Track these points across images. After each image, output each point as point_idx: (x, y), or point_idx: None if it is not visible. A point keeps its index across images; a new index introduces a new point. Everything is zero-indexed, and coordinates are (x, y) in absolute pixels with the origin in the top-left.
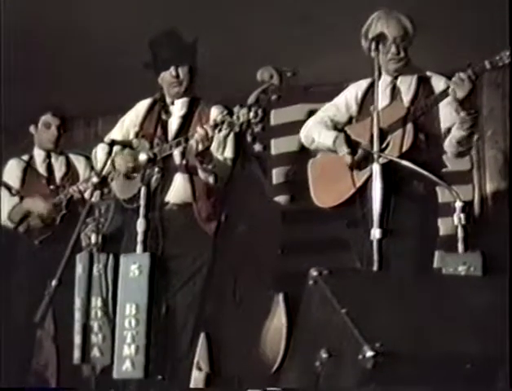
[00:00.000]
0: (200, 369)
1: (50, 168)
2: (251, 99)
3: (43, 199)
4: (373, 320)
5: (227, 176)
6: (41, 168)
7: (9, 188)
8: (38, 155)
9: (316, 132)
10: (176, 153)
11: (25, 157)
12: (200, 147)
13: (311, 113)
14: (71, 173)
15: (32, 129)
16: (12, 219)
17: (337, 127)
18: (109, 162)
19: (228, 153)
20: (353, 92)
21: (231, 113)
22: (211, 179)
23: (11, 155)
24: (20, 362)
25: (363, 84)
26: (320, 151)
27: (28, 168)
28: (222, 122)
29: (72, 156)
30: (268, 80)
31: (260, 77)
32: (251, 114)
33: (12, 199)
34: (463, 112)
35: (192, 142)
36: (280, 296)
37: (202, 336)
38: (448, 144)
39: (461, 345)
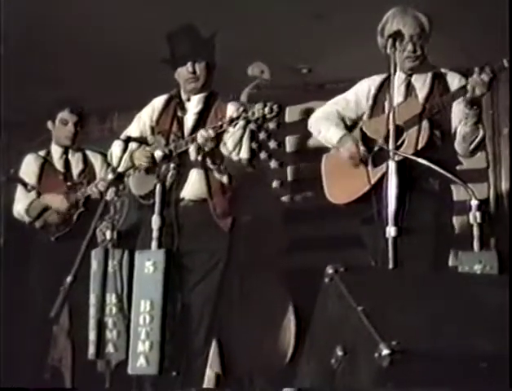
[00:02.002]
0: (213, 369)
1: (67, 164)
2: (243, 96)
3: (62, 195)
4: (389, 318)
5: (241, 176)
6: (58, 164)
7: (25, 184)
8: (55, 151)
9: (325, 126)
10: (192, 149)
11: (42, 153)
12: (206, 148)
13: None
14: (88, 170)
15: (49, 124)
16: (30, 214)
17: (344, 121)
18: (127, 158)
19: (244, 154)
20: (365, 87)
21: (246, 109)
22: (225, 179)
23: (28, 150)
24: (36, 357)
25: (376, 79)
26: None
27: (46, 163)
28: (238, 118)
29: (89, 153)
30: (259, 75)
31: (251, 73)
32: (266, 109)
33: (28, 195)
34: (466, 107)
35: (197, 143)
36: (288, 292)
37: (214, 342)
38: (457, 142)
39: (477, 344)
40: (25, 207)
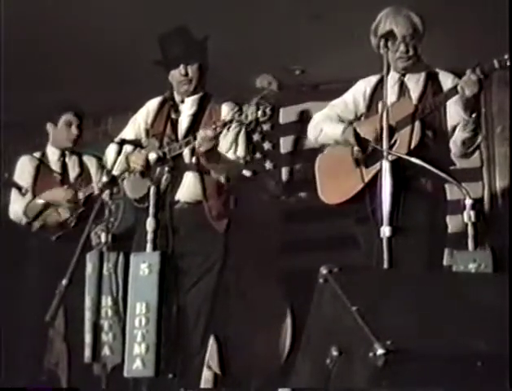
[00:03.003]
0: (210, 368)
1: (64, 167)
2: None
3: (62, 189)
4: (384, 318)
5: (239, 174)
6: (55, 166)
7: (19, 188)
8: (53, 153)
9: (326, 123)
10: (186, 152)
11: (37, 154)
12: (203, 148)
13: None
14: (84, 174)
15: (48, 126)
16: (28, 214)
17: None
18: (122, 161)
19: (240, 152)
20: (362, 88)
21: (240, 111)
22: (222, 179)
23: (23, 152)
24: (32, 361)
25: (372, 79)
26: (326, 145)
27: (41, 165)
28: (231, 121)
29: (84, 157)
30: (267, 86)
31: (259, 84)
32: (259, 112)
33: (23, 199)
34: (465, 113)
35: (196, 143)
36: (284, 293)
37: (212, 337)
38: (453, 144)
39: (472, 343)
40: (23, 208)
